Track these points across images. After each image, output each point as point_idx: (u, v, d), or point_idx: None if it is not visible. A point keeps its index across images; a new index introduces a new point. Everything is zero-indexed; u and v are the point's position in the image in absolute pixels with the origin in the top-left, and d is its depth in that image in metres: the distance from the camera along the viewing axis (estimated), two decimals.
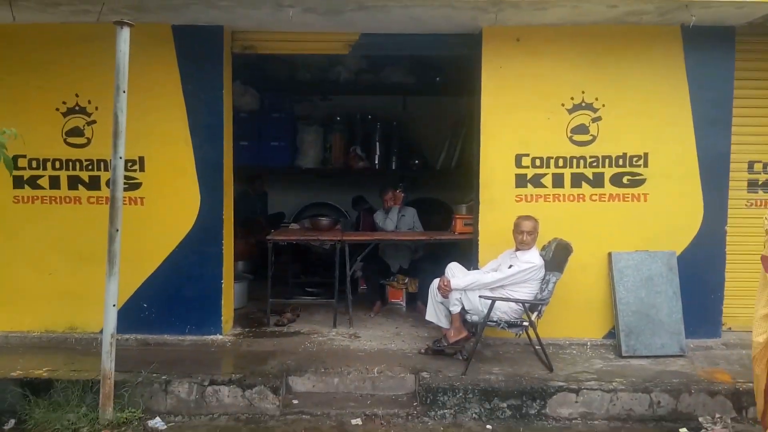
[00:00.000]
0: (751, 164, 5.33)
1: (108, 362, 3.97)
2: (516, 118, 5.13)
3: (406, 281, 6.35)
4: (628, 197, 5.13)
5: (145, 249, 5.17)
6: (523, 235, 4.67)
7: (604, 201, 5.14)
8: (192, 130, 5.15)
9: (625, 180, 5.13)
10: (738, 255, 5.13)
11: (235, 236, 7.96)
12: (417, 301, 6.18)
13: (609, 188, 5.14)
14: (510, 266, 4.70)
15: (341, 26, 5.12)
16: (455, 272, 4.79)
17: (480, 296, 4.59)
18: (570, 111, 5.11)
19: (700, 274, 5.11)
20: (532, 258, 4.64)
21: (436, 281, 4.95)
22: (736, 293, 5.18)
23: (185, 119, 5.15)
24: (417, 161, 8.59)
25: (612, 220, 5.14)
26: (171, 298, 5.21)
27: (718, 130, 5.07)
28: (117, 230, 4.08)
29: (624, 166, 5.12)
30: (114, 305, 4.04)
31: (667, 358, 4.83)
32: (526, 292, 4.65)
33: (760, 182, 5.35)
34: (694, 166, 5.09)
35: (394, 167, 8.59)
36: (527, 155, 5.15)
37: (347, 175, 8.49)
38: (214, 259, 5.20)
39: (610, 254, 5.11)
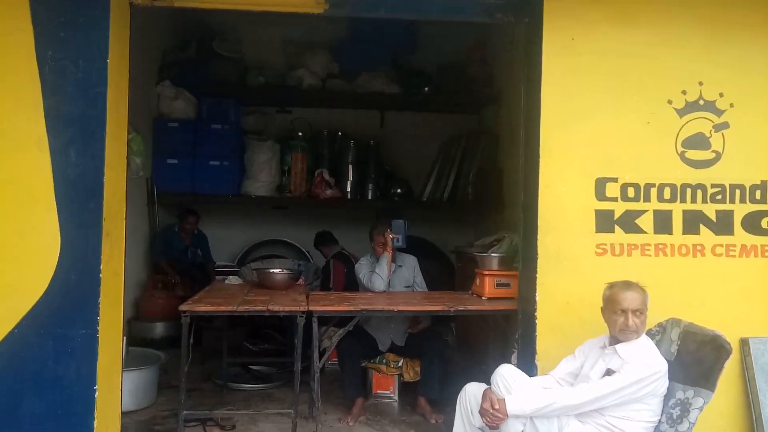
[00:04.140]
0: None
1: None
2: (596, 122, 3.02)
3: (400, 364, 4.08)
4: None
5: None
6: (627, 316, 2.50)
7: (734, 255, 3.04)
8: (50, 124, 2.78)
9: (764, 223, 3.06)
10: None
11: (153, 287, 5.65)
12: (418, 395, 3.91)
13: (740, 235, 3.05)
14: (608, 371, 2.52)
15: None
16: (511, 384, 2.57)
17: None
18: (681, 113, 3.04)
19: None
20: (649, 357, 2.48)
21: (469, 389, 2.75)
22: None
23: (39, 106, 2.79)
24: (399, 190, 6.41)
25: (745, 286, 3.04)
26: (3, 417, 2.79)
27: None
28: None
29: (763, 201, 3.05)
30: None
31: None
32: (642, 420, 2.47)
33: None
34: None
35: (370, 197, 6.38)
36: (614, 180, 3.02)
37: (311, 205, 6.21)
38: (83, 349, 2.78)
39: (745, 341, 3.00)
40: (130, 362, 3.84)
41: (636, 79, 3.02)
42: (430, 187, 6.42)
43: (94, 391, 2.81)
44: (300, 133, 6.40)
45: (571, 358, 2.72)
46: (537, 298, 2.99)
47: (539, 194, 3.00)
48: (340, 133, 6.49)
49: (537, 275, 3.00)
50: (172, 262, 5.64)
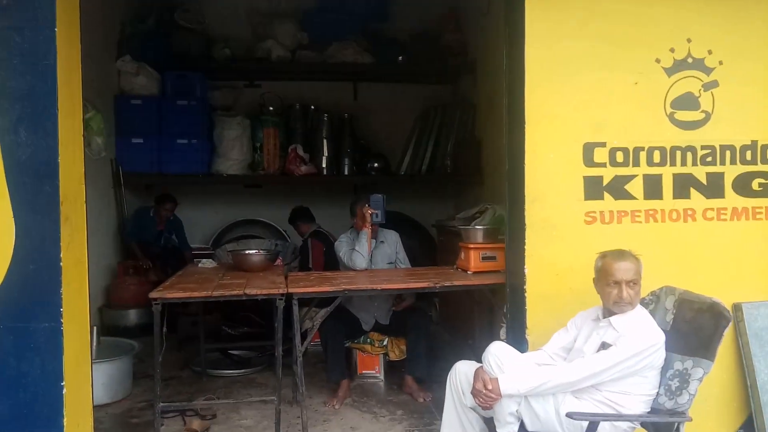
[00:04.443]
0: None
1: None
2: (583, 85, 2.88)
3: (384, 343, 3.96)
4: (760, 213, 2.99)
5: None
6: (621, 288, 2.39)
7: (725, 219, 2.97)
8: None
9: (755, 185, 2.98)
10: None
11: (124, 273, 5.42)
12: (404, 374, 3.80)
13: (732, 198, 2.97)
14: (603, 345, 2.43)
15: None
16: (504, 362, 2.45)
17: (567, 414, 2.29)
18: (669, 72, 2.92)
19: None
20: (646, 329, 2.39)
21: (459, 368, 2.66)
22: None
23: None
24: (376, 164, 6.24)
25: (736, 250, 2.97)
26: None
27: None
28: None
29: (754, 162, 2.97)
30: None
31: None
32: (640, 394, 2.39)
33: None
34: None
35: (346, 172, 6.20)
36: (602, 145, 2.90)
37: (285, 182, 6.02)
38: (46, 343, 2.59)
39: (738, 306, 2.94)
40: (102, 353, 3.67)
41: (623, 37, 2.88)
42: (407, 161, 6.28)
43: (62, 386, 2.63)
44: (271, 108, 6.20)
45: (563, 332, 2.61)
46: (526, 270, 2.88)
47: (526, 160, 2.86)
48: (312, 107, 6.29)
49: (525, 246, 2.88)
50: (144, 247, 5.41)
